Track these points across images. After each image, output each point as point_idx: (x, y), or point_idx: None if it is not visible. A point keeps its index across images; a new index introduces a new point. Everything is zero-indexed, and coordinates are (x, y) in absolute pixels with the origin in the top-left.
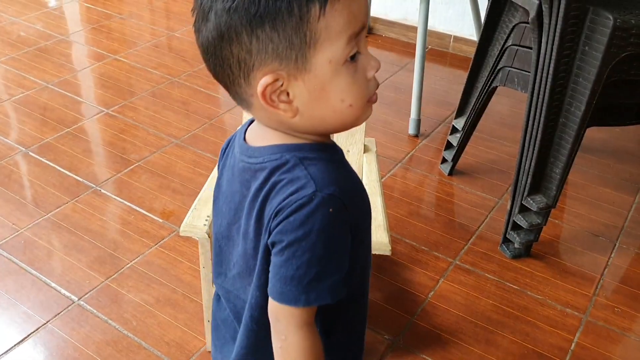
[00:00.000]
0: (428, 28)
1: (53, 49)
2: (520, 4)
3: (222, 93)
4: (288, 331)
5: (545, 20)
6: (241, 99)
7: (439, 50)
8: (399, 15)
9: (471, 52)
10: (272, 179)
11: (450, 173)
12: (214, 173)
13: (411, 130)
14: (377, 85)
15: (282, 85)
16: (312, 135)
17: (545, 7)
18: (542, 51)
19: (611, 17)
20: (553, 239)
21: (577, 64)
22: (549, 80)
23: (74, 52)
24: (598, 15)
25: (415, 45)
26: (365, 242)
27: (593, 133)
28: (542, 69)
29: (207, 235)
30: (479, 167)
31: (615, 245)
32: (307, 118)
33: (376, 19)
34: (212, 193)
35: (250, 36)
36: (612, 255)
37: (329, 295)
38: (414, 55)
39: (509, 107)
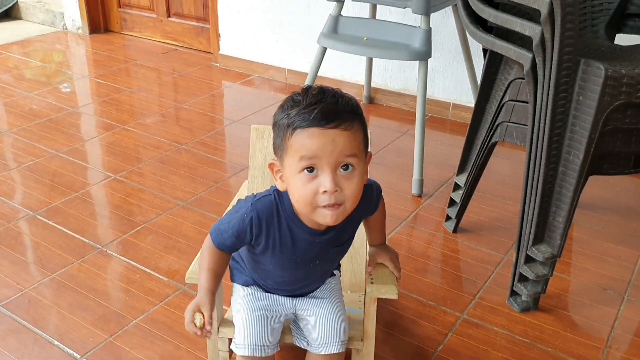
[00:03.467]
0: (427, 96)
1: (63, 120)
2: (515, 58)
3: (227, 158)
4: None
5: (540, 72)
6: None
7: (438, 118)
8: (399, 85)
9: (470, 118)
10: None
11: (455, 230)
12: None
13: (414, 190)
14: (331, 200)
15: (279, 169)
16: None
17: (538, 60)
18: (538, 102)
19: (602, 67)
20: (561, 292)
21: (573, 113)
22: (547, 130)
23: (84, 123)
24: (589, 66)
25: (415, 113)
26: (268, 257)
27: (595, 191)
28: (539, 119)
29: None
30: (483, 224)
31: (624, 298)
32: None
33: (377, 90)
34: None
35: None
36: (622, 308)
37: (215, 241)
38: (414, 122)
39: (509, 168)
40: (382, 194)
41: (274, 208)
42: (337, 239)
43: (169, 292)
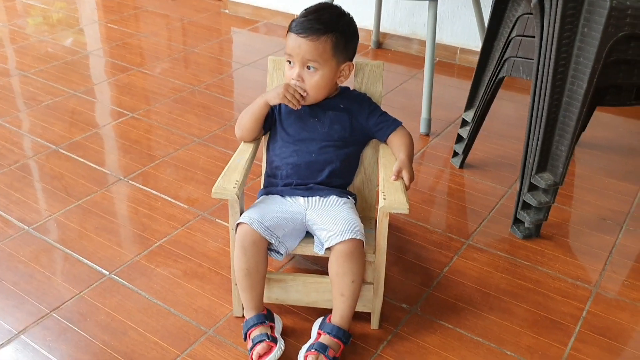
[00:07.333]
0: (436, 41)
1: (79, 62)
2: None
3: (239, 99)
4: None
5: (546, 5)
6: None
7: (446, 62)
8: (407, 30)
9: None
10: None
11: (461, 166)
12: (241, 146)
13: (422, 129)
14: (297, 85)
15: None
16: None
17: None
18: (545, 35)
19: None
20: (562, 222)
21: (578, 45)
22: (552, 61)
23: (99, 66)
24: None
25: (423, 58)
26: (281, 135)
27: (598, 131)
28: (545, 52)
29: (236, 197)
30: (488, 161)
31: (622, 227)
32: None
33: (385, 34)
34: (239, 164)
35: None
36: (620, 236)
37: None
38: (422, 66)
39: (515, 110)
40: (402, 127)
41: None
42: (330, 105)
43: (189, 217)
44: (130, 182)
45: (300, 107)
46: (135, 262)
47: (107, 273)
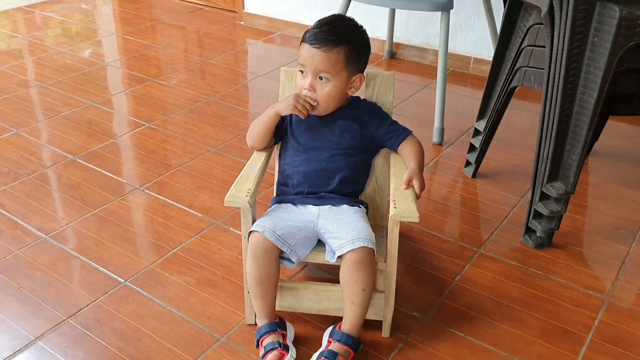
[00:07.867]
0: (449, 51)
1: (96, 73)
2: (533, 2)
3: (253, 109)
4: None
5: (557, 15)
6: None
7: (459, 72)
8: (421, 40)
9: None
10: None
11: (474, 175)
12: (254, 155)
13: (435, 138)
14: (307, 95)
15: None
16: None
17: (555, 3)
18: (555, 45)
19: (617, 9)
20: (575, 231)
21: (588, 55)
22: (562, 71)
23: (116, 77)
24: (605, 8)
25: (436, 67)
26: (292, 144)
27: (612, 140)
28: (556, 61)
29: (248, 205)
30: (501, 170)
31: (635, 237)
32: None
33: (399, 45)
34: (252, 172)
35: None
36: (633, 245)
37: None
38: (435, 76)
39: (527, 119)
40: (412, 135)
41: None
42: (340, 114)
43: (203, 226)
44: (146, 191)
45: (307, 115)
46: (150, 270)
47: (123, 281)
